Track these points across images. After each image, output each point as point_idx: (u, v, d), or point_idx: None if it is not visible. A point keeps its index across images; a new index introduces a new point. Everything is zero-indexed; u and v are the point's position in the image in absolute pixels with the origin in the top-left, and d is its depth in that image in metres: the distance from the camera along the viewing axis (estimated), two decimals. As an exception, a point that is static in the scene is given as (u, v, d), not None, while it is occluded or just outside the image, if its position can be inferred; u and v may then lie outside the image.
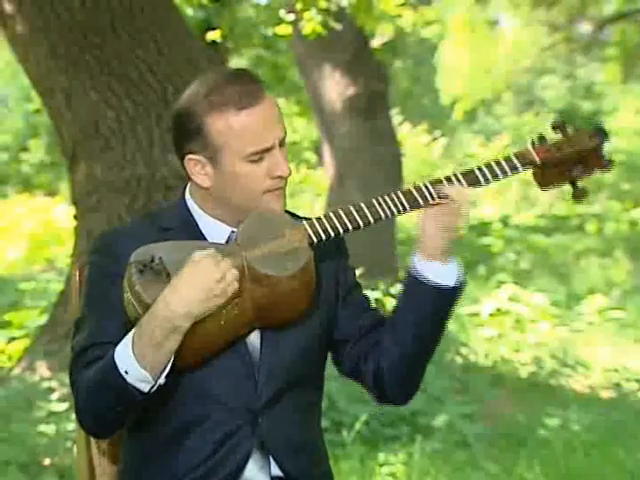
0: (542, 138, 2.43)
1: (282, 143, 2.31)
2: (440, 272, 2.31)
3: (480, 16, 20.41)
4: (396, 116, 16.25)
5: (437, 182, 2.35)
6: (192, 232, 2.33)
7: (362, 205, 2.30)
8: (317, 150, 16.05)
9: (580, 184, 2.44)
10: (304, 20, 7.47)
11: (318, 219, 2.29)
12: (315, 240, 2.27)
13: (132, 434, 2.38)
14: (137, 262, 2.19)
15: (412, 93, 21.09)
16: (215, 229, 2.34)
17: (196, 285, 2.15)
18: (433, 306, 2.32)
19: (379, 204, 2.31)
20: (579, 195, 2.43)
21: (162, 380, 2.20)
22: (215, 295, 2.15)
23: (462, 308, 9.70)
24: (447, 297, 2.33)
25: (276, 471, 2.32)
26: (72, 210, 6.47)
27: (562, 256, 14.42)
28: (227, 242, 2.33)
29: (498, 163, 2.38)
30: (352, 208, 2.30)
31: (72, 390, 2.30)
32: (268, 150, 2.28)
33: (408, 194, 2.32)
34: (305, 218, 2.40)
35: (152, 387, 2.19)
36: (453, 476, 5.40)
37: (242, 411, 2.30)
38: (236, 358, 2.29)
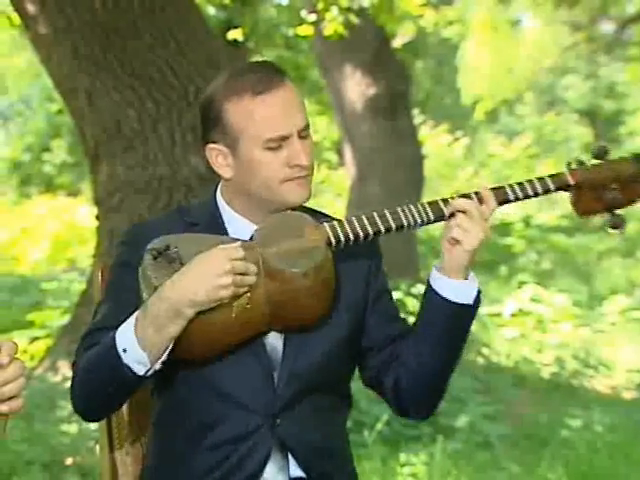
0: (580, 162, 2.37)
1: (304, 135, 2.28)
2: (457, 289, 2.27)
3: (502, 16, 20.36)
4: (417, 116, 16.23)
5: (465, 196, 2.30)
6: (217, 229, 2.32)
7: (386, 212, 2.27)
8: (338, 150, 16.05)
9: (618, 213, 2.37)
10: (326, 21, 7.47)
11: (340, 222, 2.27)
12: (334, 242, 2.25)
13: (155, 432, 2.38)
14: (153, 249, 2.20)
15: (433, 93, 21.06)
16: (240, 227, 2.32)
17: (204, 274, 2.13)
18: (448, 322, 2.28)
19: (403, 212, 2.27)
20: (616, 225, 2.36)
21: (158, 365, 2.19)
22: (222, 286, 2.13)
23: (483, 308, 9.68)
24: (463, 315, 2.29)
25: (295, 472, 2.31)
26: (94, 210, 6.49)
27: (584, 256, 14.37)
28: (250, 240, 2.32)
29: (530, 182, 2.33)
30: (375, 214, 2.27)
31: (73, 369, 2.31)
32: (286, 138, 2.26)
33: (434, 205, 2.28)
34: (328, 216, 2.39)
35: (147, 371, 2.18)
36: (475, 477, 5.39)
37: (261, 412, 2.28)
38: (254, 359, 2.28)
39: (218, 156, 2.30)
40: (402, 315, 2.43)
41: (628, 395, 7.79)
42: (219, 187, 2.38)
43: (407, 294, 8.36)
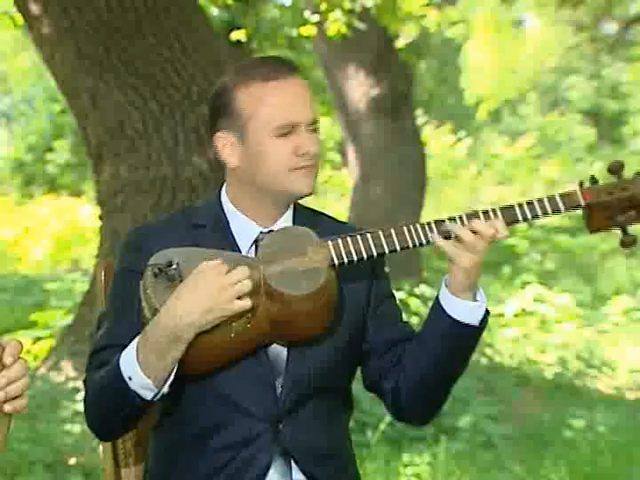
0: (593, 180, 2.31)
1: (312, 128, 2.28)
2: (463, 309, 2.25)
3: (505, 16, 20.36)
4: (420, 116, 16.23)
5: (473, 215, 2.24)
6: (222, 231, 2.32)
7: (391, 231, 2.24)
8: (341, 150, 16.04)
9: (630, 231, 2.31)
10: (328, 21, 7.47)
11: (344, 240, 2.24)
12: (337, 262, 2.22)
13: (157, 436, 2.38)
14: (154, 265, 2.19)
15: (436, 93, 21.05)
16: (245, 229, 2.31)
17: (199, 295, 2.13)
18: (451, 340, 2.26)
19: (409, 232, 2.24)
20: (628, 243, 2.30)
21: (166, 389, 2.19)
22: (219, 307, 2.13)
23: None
24: (466, 335, 2.26)
25: (298, 478, 2.30)
26: (97, 210, 6.49)
27: (587, 256, 14.35)
28: (254, 242, 2.31)
29: (540, 201, 2.27)
30: (381, 234, 2.24)
31: (84, 388, 2.32)
32: (294, 127, 2.26)
33: (440, 225, 2.24)
34: (331, 217, 2.39)
35: (155, 395, 2.19)
36: (478, 477, 5.39)
37: (263, 418, 2.28)
38: (256, 366, 2.28)
39: (226, 145, 2.30)
40: (405, 319, 2.42)
41: (631, 395, 7.78)
42: (223, 187, 2.37)
43: (410, 294, 8.36)
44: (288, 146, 2.26)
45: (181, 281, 2.17)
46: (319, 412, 2.32)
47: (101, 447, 2.50)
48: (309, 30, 8.06)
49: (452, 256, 2.22)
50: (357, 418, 5.86)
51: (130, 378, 2.17)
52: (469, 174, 17.77)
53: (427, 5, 8.74)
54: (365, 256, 2.23)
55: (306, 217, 2.36)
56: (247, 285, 2.15)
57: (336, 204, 15.22)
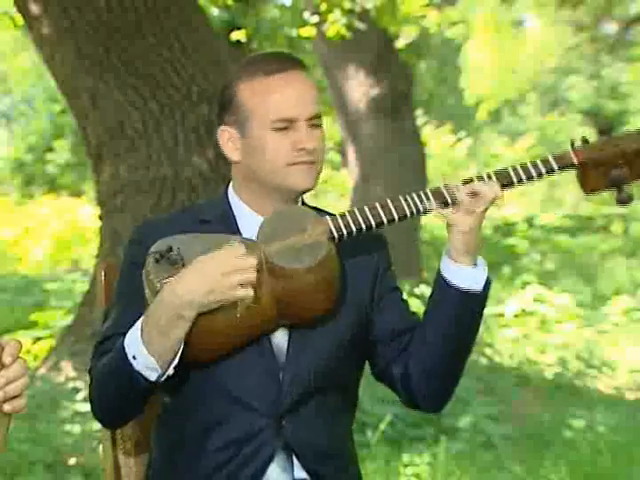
0: (585, 140, 2.34)
1: (314, 123, 2.29)
2: (466, 275, 2.27)
3: (505, 16, 20.37)
4: (420, 116, 16.23)
5: (468, 182, 2.29)
6: (229, 225, 2.33)
7: (388, 202, 2.27)
8: (341, 151, 16.05)
9: (626, 188, 2.33)
10: (328, 22, 7.47)
11: (342, 215, 2.26)
12: (336, 235, 2.24)
13: (158, 432, 2.38)
14: (155, 252, 2.20)
15: (436, 93, 21.06)
16: (250, 221, 2.32)
17: (203, 275, 2.13)
18: (459, 309, 2.27)
19: (405, 201, 2.27)
20: (623, 200, 2.33)
21: (171, 371, 2.19)
22: (221, 290, 2.13)
23: (487, 309, 9.67)
24: (473, 301, 2.28)
25: (299, 474, 2.31)
26: (97, 210, 6.50)
27: (587, 256, 14.36)
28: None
29: (534, 163, 2.30)
30: (377, 205, 2.27)
31: (89, 376, 2.32)
32: (294, 121, 2.27)
33: (436, 192, 2.27)
34: (332, 214, 2.39)
35: (160, 376, 2.19)
36: (478, 477, 5.39)
37: (266, 413, 2.28)
38: (260, 359, 2.28)
39: (229, 140, 2.32)
40: (413, 312, 2.42)
41: (631, 395, 7.79)
42: (231, 183, 2.38)
43: (410, 294, 8.36)
44: (287, 141, 2.27)
45: (183, 265, 2.18)
46: (322, 410, 2.32)
47: (101, 447, 2.50)
48: (309, 31, 8.07)
49: (451, 220, 2.24)
50: (357, 418, 5.85)
51: (134, 357, 2.17)
52: (469, 174, 17.76)
53: (427, 5, 8.74)
54: (364, 226, 2.25)
55: None
56: (252, 275, 2.15)
57: (336, 204, 15.22)
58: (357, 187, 11.17)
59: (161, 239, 2.24)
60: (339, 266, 2.25)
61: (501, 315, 9.51)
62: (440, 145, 18.21)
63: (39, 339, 7.45)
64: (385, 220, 2.26)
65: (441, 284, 2.28)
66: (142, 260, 2.24)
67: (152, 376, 2.19)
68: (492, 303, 9.86)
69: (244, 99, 2.28)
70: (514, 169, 2.30)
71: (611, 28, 20.45)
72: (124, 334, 2.23)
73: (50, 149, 18.32)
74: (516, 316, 9.47)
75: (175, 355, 2.18)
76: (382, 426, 5.79)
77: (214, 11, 8.80)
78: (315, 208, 2.39)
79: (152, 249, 2.21)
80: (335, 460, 2.34)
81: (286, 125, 2.26)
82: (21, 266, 12.75)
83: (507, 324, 9.28)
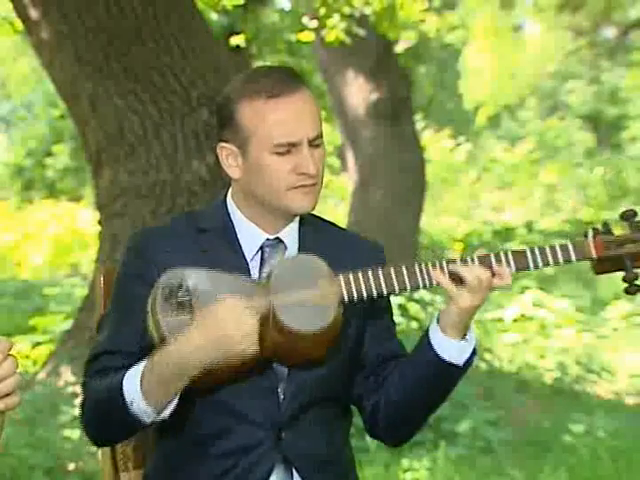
0: (606, 229, 2.31)
1: (315, 144, 2.26)
2: (452, 348, 2.24)
3: (504, 21, 20.38)
4: (419, 121, 16.24)
5: (484, 257, 2.23)
6: (228, 236, 2.30)
7: (403, 269, 2.23)
8: (340, 155, 16.06)
9: (637, 281, 2.32)
10: (327, 27, 7.48)
11: (355, 276, 2.22)
12: (347, 299, 2.21)
13: (158, 442, 2.37)
14: (165, 286, 2.17)
15: (436, 98, 21.07)
16: (251, 235, 2.30)
17: (210, 336, 2.13)
18: (434, 375, 2.26)
19: (420, 272, 2.23)
20: (633, 292, 2.33)
21: (166, 415, 2.20)
22: (231, 352, 2.14)
23: (486, 313, 9.68)
24: (449, 373, 2.26)
25: (299, 486, 2.31)
26: (96, 215, 6.50)
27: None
28: (259, 250, 2.29)
29: (553, 249, 2.27)
30: (392, 271, 2.23)
31: (82, 392, 2.32)
32: (295, 145, 2.24)
33: (452, 264, 2.22)
34: (334, 225, 2.38)
35: (154, 420, 2.20)
36: (477, 482, 5.39)
37: (265, 425, 2.27)
38: (260, 374, 2.27)
39: (228, 156, 2.29)
40: (403, 324, 2.42)
41: (631, 400, 7.78)
42: (229, 192, 2.36)
43: (409, 299, 8.36)
44: (288, 164, 2.24)
45: (191, 308, 2.16)
46: (320, 420, 2.32)
47: (100, 452, 2.50)
48: (308, 36, 8.07)
49: (453, 296, 2.21)
50: (357, 423, 5.85)
51: (132, 403, 2.18)
52: (468, 179, 17.78)
53: (426, 10, 8.74)
54: (375, 294, 2.23)
55: (312, 226, 2.35)
56: (254, 333, 2.14)
57: (335, 209, 15.23)
58: (356, 192, 11.17)
59: (164, 254, 2.22)
60: (343, 326, 2.24)
61: (500, 320, 9.50)
62: (439, 150, 18.22)
63: (38, 344, 7.45)
64: (397, 290, 2.24)
65: (424, 346, 2.26)
66: (142, 272, 2.23)
67: (147, 419, 2.20)
68: (491, 308, 9.86)
69: (245, 120, 2.25)
70: (532, 252, 2.27)
71: (610, 33, 20.48)
72: (118, 352, 2.23)
73: (49, 154, 18.33)
74: (515, 321, 9.47)
75: (172, 401, 2.19)
76: (381, 431, 5.78)
77: (213, 16, 8.81)
78: (320, 219, 2.38)
79: (163, 280, 2.17)
80: (334, 469, 2.34)
81: (288, 149, 2.24)
82: (20, 271, 12.75)
83: (506, 329, 9.28)
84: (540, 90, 22.10)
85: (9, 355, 1.76)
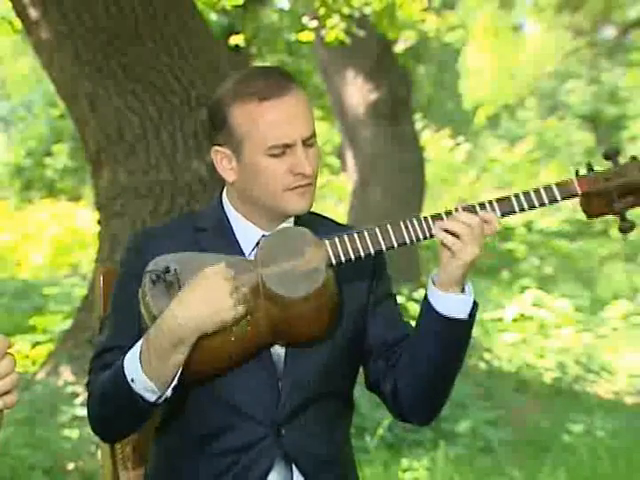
0: (590, 168, 2.31)
1: (309, 143, 2.26)
2: (452, 303, 2.24)
3: (503, 21, 20.38)
4: (419, 121, 16.24)
5: (470, 208, 2.25)
6: (225, 234, 2.32)
7: (388, 227, 2.23)
8: (340, 155, 16.05)
9: (629, 216, 2.31)
10: (327, 27, 7.47)
11: (341, 239, 2.23)
12: (335, 262, 2.22)
13: (157, 440, 2.38)
14: (151, 272, 2.19)
15: (435, 98, 21.06)
16: (247, 232, 2.32)
17: (203, 299, 2.13)
18: (442, 336, 2.25)
19: (406, 227, 2.24)
20: (626, 228, 2.30)
21: (169, 393, 2.19)
22: (222, 311, 2.13)
23: (485, 313, 9.68)
24: (457, 329, 2.25)
25: (299, 482, 2.31)
26: (96, 215, 6.49)
27: (586, 261, 14.36)
28: (256, 246, 2.30)
29: (537, 191, 2.27)
30: (377, 230, 2.24)
31: (87, 390, 2.32)
32: (289, 146, 2.24)
33: (438, 218, 2.24)
34: (332, 220, 2.38)
35: (158, 398, 2.19)
36: (477, 482, 5.39)
37: (265, 422, 2.28)
38: (261, 369, 2.28)
39: (223, 159, 2.29)
40: (405, 320, 2.41)
41: (630, 400, 7.78)
42: (224, 191, 2.37)
43: (409, 299, 8.36)
44: (283, 165, 2.25)
45: (179, 287, 2.17)
46: (320, 417, 2.32)
47: (100, 452, 2.50)
48: (307, 36, 8.07)
49: (455, 249, 2.20)
50: (356, 423, 5.86)
51: (133, 380, 2.17)
52: (468, 179, 17.78)
53: (425, 10, 8.74)
54: (362, 254, 2.23)
55: (308, 221, 2.35)
56: (245, 292, 2.15)
57: (335, 209, 15.23)
58: (356, 191, 11.17)
59: (159, 256, 2.22)
60: (336, 292, 2.23)
61: (500, 319, 9.51)
62: (439, 150, 18.21)
63: (38, 344, 7.45)
64: (384, 247, 2.24)
65: (428, 311, 2.26)
66: (139, 271, 2.23)
67: (151, 398, 2.18)
68: (491, 307, 9.87)
69: (238, 123, 2.25)
70: (516, 197, 2.27)
71: (610, 33, 20.47)
72: (121, 348, 2.23)
73: (49, 154, 18.31)
74: (515, 320, 9.47)
75: (173, 378, 2.18)
76: (381, 431, 5.79)
77: (213, 16, 8.81)
78: (316, 214, 2.39)
79: (149, 267, 2.20)
80: (334, 467, 2.34)
81: (283, 150, 2.24)
82: (20, 271, 12.74)
83: (506, 328, 9.28)
84: (540, 90, 22.10)
85: (7, 353, 1.76)
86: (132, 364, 2.18)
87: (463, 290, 2.26)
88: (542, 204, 2.28)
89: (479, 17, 20.04)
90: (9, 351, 1.77)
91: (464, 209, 2.24)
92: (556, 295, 10.37)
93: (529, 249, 14.66)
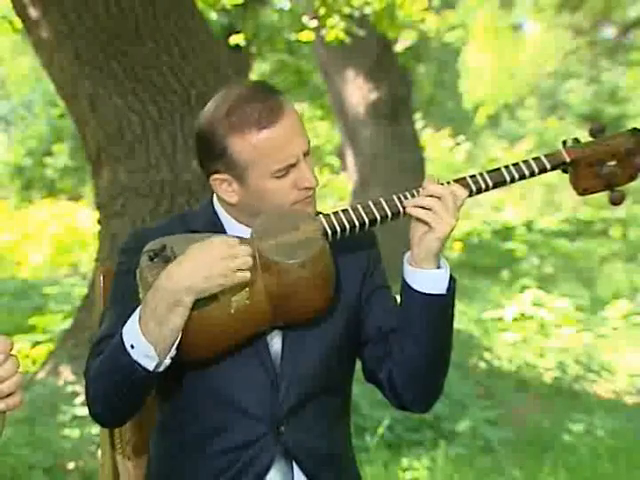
0: (576, 140, 2.36)
1: (307, 153, 2.29)
2: (429, 280, 2.26)
3: (503, 20, 20.38)
4: (419, 121, 16.24)
5: (459, 180, 2.30)
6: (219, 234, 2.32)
7: (381, 200, 2.28)
8: (340, 154, 16.06)
9: (618, 188, 2.34)
10: (327, 27, 7.48)
11: (335, 213, 2.28)
12: (330, 232, 2.25)
13: (157, 440, 2.38)
14: (149, 250, 2.21)
15: (435, 98, 21.07)
16: (241, 233, 2.32)
17: (201, 260, 2.14)
18: (425, 314, 2.27)
19: (398, 199, 2.28)
20: (616, 199, 2.34)
21: (168, 360, 2.18)
22: (219, 274, 2.13)
23: (485, 313, 9.68)
24: (438, 305, 2.27)
25: (300, 479, 2.31)
26: (96, 215, 6.49)
27: (586, 261, 14.37)
28: None
29: (526, 162, 2.32)
30: (370, 202, 2.28)
31: (85, 375, 2.31)
32: (293, 165, 2.27)
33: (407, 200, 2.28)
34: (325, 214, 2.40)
35: (157, 366, 2.18)
36: (477, 481, 5.39)
37: (265, 419, 2.28)
38: (259, 366, 2.28)
39: (222, 183, 2.31)
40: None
41: (630, 400, 7.78)
42: (214, 197, 2.38)
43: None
44: (289, 182, 2.27)
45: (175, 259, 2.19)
46: (319, 413, 2.33)
47: (100, 451, 2.50)
48: (307, 35, 8.07)
49: (431, 222, 2.24)
50: (356, 422, 5.86)
51: (132, 346, 2.16)
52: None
53: (426, 10, 8.75)
54: (357, 224, 2.26)
55: None
56: (249, 261, 2.16)
57: (335, 208, 15.22)
58: (356, 191, 11.18)
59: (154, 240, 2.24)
60: (332, 263, 2.25)
61: (500, 319, 9.51)
62: (439, 149, 18.22)
63: (38, 343, 7.45)
64: (378, 217, 2.27)
65: (406, 291, 2.28)
66: (133, 266, 2.24)
67: (150, 365, 2.17)
68: (491, 307, 9.87)
69: (240, 154, 2.26)
70: (507, 168, 2.31)
71: (610, 32, 20.47)
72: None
73: (49, 153, 18.33)
74: (515, 320, 9.47)
75: (172, 345, 2.17)
76: (381, 430, 5.79)
77: (213, 15, 8.81)
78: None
79: (146, 248, 2.22)
80: (334, 463, 2.35)
81: (287, 170, 2.27)
82: (20, 270, 12.75)
83: (506, 328, 9.28)
84: (540, 89, 22.11)
85: (11, 355, 1.76)
86: (131, 329, 2.17)
87: (439, 266, 2.27)
88: (532, 174, 2.31)
89: (479, 17, 20.04)
90: (12, 352, 1.76)
91: (456, 181, 2.29)
92: (556, 295, 10.37)
93: (529, 249, 14.66)
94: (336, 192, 16.29)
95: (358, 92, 11.07)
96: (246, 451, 2.27)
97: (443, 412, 6.15)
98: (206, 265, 2.13)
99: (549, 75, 21.57)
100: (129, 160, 6.09)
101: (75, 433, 5.60)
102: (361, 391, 5.90)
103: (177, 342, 2.17)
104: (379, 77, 10.99)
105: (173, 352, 2.18)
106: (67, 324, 7.25)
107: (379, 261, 2.42)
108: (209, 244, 2.16)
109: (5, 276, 11.96)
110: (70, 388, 6.09)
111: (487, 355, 8.38)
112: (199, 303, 2.16)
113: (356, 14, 7.78)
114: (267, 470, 2.28)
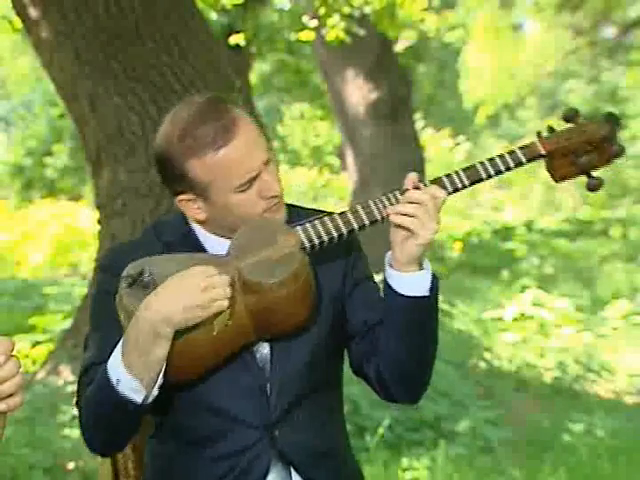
0: (551, 129, 2.34)
1: (268, 162, 2.26)
2: (412, 283, 2.24)
3: (503, 20, 20.38)
4: (419, 121, 16.24)
5: (436, 181, 2.27)
6: (193, 245, 2.32)
7: (358, 207, 2.25)
8: (340, 154, 16.05)
9: (595, 174, 2.32)
10: (327, 26, 7.48)
11: (312, 223, 2.24)
12: (308, 245, 2.23)
13: (153, 446, 2.37)
14: (127, 276, 2.18)
15: (435, 97, 21.07)
16: (216, 243, 2.31)
17: (178, 293, 2.12)
18: (408, 316, 2.25)
19: (376, 205, 2.25)
20: (593, 186, 2.32)
21: (155, 391, 2.17)
22: (198, 306, 2.11)
23: (485, 313, 9.68)
24: (421, 307, 2.26)
25: (298, 480, 2.32)
26: (96, 214, 6.49)
27: (586, 261, 14.37)
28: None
29: (502, 157, 2.29)
30: (348, 212, 2.25)
31: (78, 409, 2.29)
32: (255, 177, 2.24)
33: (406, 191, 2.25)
34: (325, 212, 2.38)
35: (145, 398, 2.17)
36: (477, 481, 5.39)
37: (258, 425, 2.27)
38: (248, 375, 2.27)
39: (187, 203, 2.28)
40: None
41: (630, 400, 7.78)
42: None
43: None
44: (254, 193, 2.25)
45: (155, 287, 2.16)
46: (312, 411, 2.32)
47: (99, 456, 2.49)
48: (307, 35, 8.07)
49: (414, 229, 2.21)
50: (356, 422, 5.86)
51: (118, 382, 2.15)
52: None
53: (426, 10, 8.75)
54: (335, 235, 2.24)
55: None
56: (227, 292, 2.14)
57: (335, 208, 15.22)
58: (356, 191, 11.18)
59: (132, 263, 2.21)
60: (312, 273, 2.23)
61: (500, 319, 9.51)
62: (439, 149, 18.22)
63: (38, 343, 7.45)
64: (356, 227, 2.25)
65: (389, 294, 2.26)
66: (113, 288, 2.22)
67: (137, 398, 2.16)
68: (491, 307, 9.87)
69: (199, 176, 2.23)
70: (482, 164, 2.29)
71: (610, 32, 20.47)
72: (106, 362, 2.21)
73: (49, 153, 18.33)
74: (515, 320, 9.47)
75: (158, 375, 2.16)
76: (381, 430, 5.79)
77: (213, 15, 8.80)
78: (311, 209, 2.39)
79: (124, 273, 2.19)
80: (332, 459, 2.34)
81: (250, 183, 2.24)
82: (20, 270, 12.75)
83: (506, 328, 9.28)
84: (540, 89, 22.11)
85: (11, 356, 1.75)
86: (115, 365, 2.16)
87: (421, 267, 2.26)
88: (508, 168, 2.29)
89: (479, 17, 20.03)
90: (13, 353, 1.76)
91: (432, 182, 2.26)
92: (556, 295, 10.37)
93: (529, 249, 14.66)
94: (336, 192, 16.29)
95: (358, 92, 11.07)
96: (242, 457, 2.26)
97: (443, 412, 6.15)
98: (184, 297, 2.11)
99: (549, 75, 21.57)
100: (129, 160, 6.09)
101: (75, 433, 5.60)
102: (361, 391, 5.90)
103: (162, 373, 2.16)
104: (379, 77, 10.99)
105: (160, 381, 2.16)
106: (67, 324, 7.25)
107: (360, 250, 2.40)
108: (188, 275, 2.13)
109: (5, 276, 11.96)
110: (70, 388, 6.09)
111: (487, 355, 8.38)
112: (181, 331, 2.14)
113: (356, 14, 7.79)
114: (265, 475, 2.27)
